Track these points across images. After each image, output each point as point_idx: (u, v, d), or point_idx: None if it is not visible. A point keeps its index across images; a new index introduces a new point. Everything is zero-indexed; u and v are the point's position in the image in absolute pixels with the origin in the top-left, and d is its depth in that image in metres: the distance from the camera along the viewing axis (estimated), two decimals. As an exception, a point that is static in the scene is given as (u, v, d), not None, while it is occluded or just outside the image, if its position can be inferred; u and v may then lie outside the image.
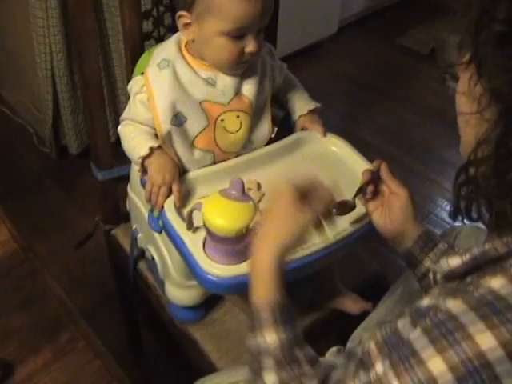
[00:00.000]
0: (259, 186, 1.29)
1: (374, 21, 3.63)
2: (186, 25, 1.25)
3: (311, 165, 1.35)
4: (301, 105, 1.42)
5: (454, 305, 0.77)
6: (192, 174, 1.28)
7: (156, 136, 1.27)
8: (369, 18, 3.62)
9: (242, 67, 1.27)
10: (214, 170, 1.29)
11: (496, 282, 0.77)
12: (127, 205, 1.51)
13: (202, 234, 1.15)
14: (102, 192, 1.61)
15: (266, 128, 1.35)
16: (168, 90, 1.24)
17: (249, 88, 1.30)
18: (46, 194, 2.42)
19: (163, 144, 1.25)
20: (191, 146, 1.29)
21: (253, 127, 1.33)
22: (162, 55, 1.28)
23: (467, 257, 0.84)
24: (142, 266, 1.53)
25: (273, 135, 1.38)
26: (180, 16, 1.25)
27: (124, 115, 1.32)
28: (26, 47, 2.37)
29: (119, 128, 1.32)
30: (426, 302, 0.84)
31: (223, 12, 1.18)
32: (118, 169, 1.53)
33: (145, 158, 1.25)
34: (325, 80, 3.15)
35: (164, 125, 1.25)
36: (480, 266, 0.82)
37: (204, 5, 1.20)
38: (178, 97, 1.25)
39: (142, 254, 1.48)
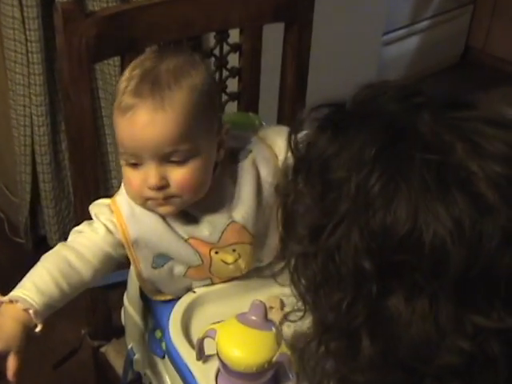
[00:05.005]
0: (282, 305, 1.32)
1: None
2: None
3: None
4: None
5: None
6: (201, 291, 1.33)
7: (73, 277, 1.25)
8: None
9: (164, 206, 1.23)
10: (228, 286, 1.34)
11: None
12: (122, 318, 1.54)
13: (215, 363, 1.18)
14: (91, 300, 1.64)
15: (275, 241, 1.34)
16: (149, 229, 1.27)
17: (243, 213, 1.29)
18: None
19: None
20: (182, 278, 1.32)
21: (259, 247, 1.34)
22: None
23: None
24: (137, 392, 1.55)
25: None
26: None
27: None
28: (1, 117, 2.45)
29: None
30: None
31: (115, 132, 1.22)
32: (113, 274, 1.55)
33: None
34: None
35: (145, 270, 1.29)
36: None
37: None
38: (160, 234, 1.27)
39: (139, 379, 1.50)
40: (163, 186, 1.19)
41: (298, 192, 0.85)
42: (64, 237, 2.47)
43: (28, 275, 1.24)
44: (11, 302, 1.17)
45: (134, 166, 1.20)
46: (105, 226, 1.27)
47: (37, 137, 2.33)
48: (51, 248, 2.50)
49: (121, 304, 1.51)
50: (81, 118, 1.44)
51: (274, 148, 1.34)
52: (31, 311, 1.16)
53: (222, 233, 1.28)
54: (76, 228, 1.32)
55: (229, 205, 1.29)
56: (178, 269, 1.30)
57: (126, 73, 1.21)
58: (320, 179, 0.81)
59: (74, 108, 1.43)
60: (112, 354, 1.65)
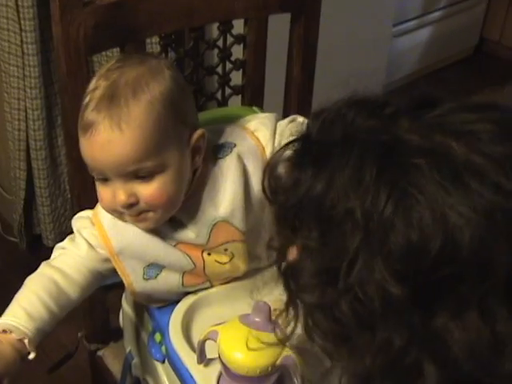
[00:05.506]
0: (288, 306, 1.33)
1: (424, 84, 3.68)
2: None
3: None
4: None
5: None
6: (203, 293, 1.34)
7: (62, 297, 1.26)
8: (418, 82, 3.68)
9: (141, 221, 1.24)
10: (230, 287, 1.36)
11: None
12: (120, 320, 1.55)
13: (216, 367, 1.19)
14: (88, 302, 1.64)
15: None
16: (133, 239, 1.28)
17: (229, 210, 1.29)
18: (11, 294, 2.42)
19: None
20: (181, 288, 1.34)
21: (252, 244, 1.34)
22: None
23: None
24: (135, 398, 1.56)
25: None
26: None
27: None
28: (-5, 111, 2.44)
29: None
30: None
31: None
32: (111, 275, 1.57)
33: None
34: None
35: (137, 283, 1.30)
36: None
37: None
38: (146, 243, 1.28)
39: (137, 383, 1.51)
40: (132, 203, 1.20)
41: (295, 242, 0.83)
42: (60, 236, 2.51)
43: (16, 300, 1.25)
44: (4, 331, 1.18)
45: (104, 181, 1.21)
46: (87, 241, 1.28)
47: (32, 131, 2.33)
48: (46, 247, 2.54)
49: (119, 306, 1.52)
50: (79, 112, 1.43)
51: (260, 139, 1.34)
52: (26, 341, 1.18)
53: (210, 233, 1.29)
54: (59, 244, 1.33)
55: (214, 204, 1.29)
56: (173, 277, 1.31)
57: (91, 84, 1.21)
58: (316, 221, 0.79)
59: (71, 102, 1.43)
60: (109, 357, 1.66)
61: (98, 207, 1.29)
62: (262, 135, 1.34)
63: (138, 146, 1.16)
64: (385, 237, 0.74)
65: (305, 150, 0.84)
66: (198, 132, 1.25)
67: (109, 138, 1.15)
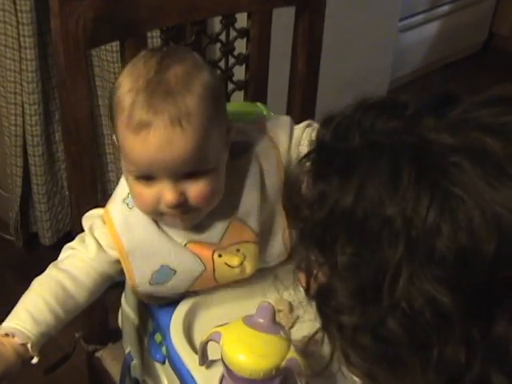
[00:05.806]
0: (291, 308, 1.33)
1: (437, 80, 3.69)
2: None
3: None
4: None
5: None
6: (205, 293, 1.34)
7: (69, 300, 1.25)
8: (426, 77, 3.67)
9: (183, 220, 1.24)
10: (234, 287, 1.35)
11: None
12: (119, 320, 1.55)
13: (219, 369, 1.19)
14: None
15: (280, 242, 1.36)
16: (144, 237, 1.27)
17: (245, 210, 1.29)
18: (7, 294, 2.42)
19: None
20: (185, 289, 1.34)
21: (263, 246, 1.34)
22: (128, 188, 1.28)
23: None
24: (135, 400, 1.56)
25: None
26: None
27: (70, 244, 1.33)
28: (-9, 106, 2.44)
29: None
30: None
31: (124, 149, 1.18)
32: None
33: None
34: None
35: (142, 286, 1.30)
36: None
37: (119, 138, 1.21)
38: (156, 242, 1.27)
39: (137, 385, 1.51)
40: (181, 202, 1.18)
41: (325, 260, 0.80)
42: (57, 235, 2.51)
43: (22, 303, 1.23)
44: (7, 335, 1.18)
45: (147, 180, 1.19)
46: (97, 242, 1.28)
47: (28, 127, 2.33)
48: (43, 246, 2.54)
49: (118, 305, 1.52)
50: (77, 107, 1.44)
51: (275, 141, 1.34)
52: (29, 345, 1.18)
53: (224, 232, 1.29)
54: (69, 244, 1.33)
55: (230, 202, 1.28)
56: (183, 284, 1.31)
57: (126, 83, 1.16)
58: (348, 235, 0.76)
59: (70, 96, 1.43)
60: (108, 359, 1.66)
61: (109, 205, 1.29)
62: (278, 137, 1.35)
63: (199, 143, 1.15)
64: (431, 243, 0.71)
65: (325, 159, 0.82)
66: (231, 125, 1.26)
67: (169, 137, 1.13)
